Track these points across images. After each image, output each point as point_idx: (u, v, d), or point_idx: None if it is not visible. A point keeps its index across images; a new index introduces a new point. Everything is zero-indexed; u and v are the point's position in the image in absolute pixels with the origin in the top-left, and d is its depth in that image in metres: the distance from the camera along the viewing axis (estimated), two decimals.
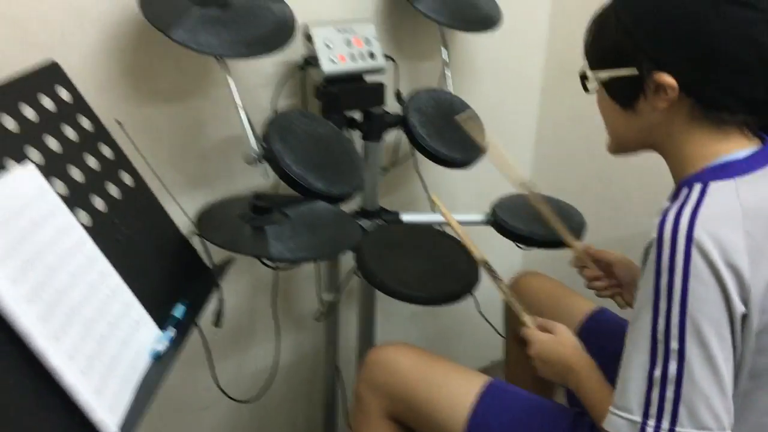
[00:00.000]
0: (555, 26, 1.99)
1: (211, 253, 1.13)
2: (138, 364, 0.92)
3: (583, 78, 1.01)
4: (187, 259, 1.15)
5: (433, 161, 1.52)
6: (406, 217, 1.58)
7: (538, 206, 1.20)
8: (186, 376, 1.51)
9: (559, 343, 1.11)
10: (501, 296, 1.23)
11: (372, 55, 1.47)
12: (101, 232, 0.94)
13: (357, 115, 1.50)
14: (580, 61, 1.03)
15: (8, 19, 1.12)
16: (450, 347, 2.11)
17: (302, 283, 1.70)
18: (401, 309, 1.90)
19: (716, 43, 0.87)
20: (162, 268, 1.08)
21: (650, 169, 1.01)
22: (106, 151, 1.05)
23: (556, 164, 1.85)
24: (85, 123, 1.03)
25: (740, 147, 0.92)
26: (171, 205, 1.15)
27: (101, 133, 1.05)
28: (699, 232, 0.82)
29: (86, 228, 0.91)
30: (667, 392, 0.84)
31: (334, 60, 1.40)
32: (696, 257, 0.82)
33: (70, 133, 0.99)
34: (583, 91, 1.03)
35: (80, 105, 1.03)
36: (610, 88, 0.99)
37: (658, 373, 0.84)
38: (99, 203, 0.98)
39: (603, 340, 1.20)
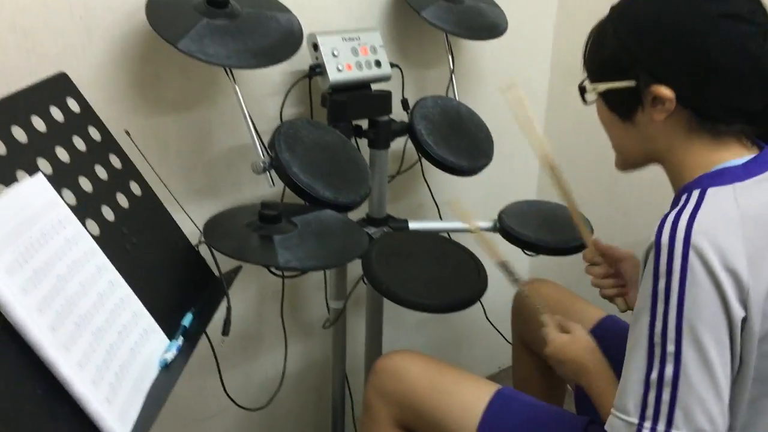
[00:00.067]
0: (560, 34, 2.00)
1: (219, 262, 1.13)
2: (147, 373, 0.92)
3: (582, 90, 1.02)
4: (196, 268, 1.15)
5: (439, 169, 1.52)
6: (413, 225, 1.58)
7: (560, 185, 1.21)
8: (194, 384, 1.51)
9: (573, 342, 1.11)
10: (523, 295, 1.23)
11: (378, 64, 1.47)
12: (110, 242, 0.94)
13: (364, 123, 1.50)
14: None
15: (19, 30, 1.14)
16: (458, 354, 2.11)
17: (310, 291, 1.70)
18: (409, 316, 1.90)
19: (712, 56, 0.89)
20: (170, 277, 1.08)
21: (658, 175, 1.02)
22: (115, 161, 1.06)
23: (562, 171, 1.85)
24: (95, 133, 1.04)
25: (738, 155, 0.93)
26: (179, 214, 1.16)
27: (110, 144, 1.06)
28: (696, 236, 0.83)
29: (96, 238, 0.92)
30: (663, 395, 0.84)
31: (341, 68, 1.41)
32: (693, 261, 0.83)
33: (79, 143, 1.00)
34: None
35: (89, 116, 1.04)
36: (608, 99, 1.00)
37: (654, 375, 0.85)
38: (108, 213, 0.99)
39: (611, 347, 1.20)
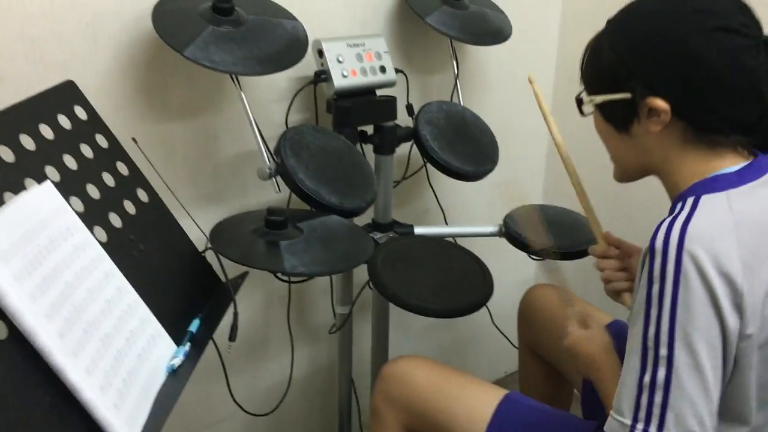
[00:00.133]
0: (565, 39, 2.00)
1: (226, 268, 1.14)
2: (154, 379, 0.92)
3: (579, 102, 1.04)
4: (202, 274, 1.16)
5: (445, 174, 1.53)
6: (419, 230, 1.58)
7: (569, 172, 1.22)
8: (201, 390, 1.51)
9: (589, 339, 1.12)
10: (556, 283, 1.23)
11: (383, 69, 1.48)
12: (118, 249, 0.95)
13: (369, 129, 1.51)
14: None
15: (26, 39, 1.14)
16: (464, 359, 2.11)
17: (316, 297, 1.70)
18: (415, 321, 1.90)
19: (706, 69, 0.90)
20: (177, 283, 1.09)
21: None
22: (122, 168, 1.06)
23: (568, 176, 1.85)
24: (102, 141, 1.04)
25: (733, 163, 0.94)
26: (186, 220, 1.16)
27: (117, 151, 1.07)
28: (689, 242, 0.84)
29: (103, 245, 0.93)
30: (655, 397, 0.85)
31: (346, 74, 1.41)
32: (686, 266, 0.83)
33: (86, 151, 1.00)
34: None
35: (96, 123, 1.05)
36: (605, 111, 1.01)
37: (647, 378, 0.86)
38: (115, 220, 0.99)
39: (619, 352, 1.20)
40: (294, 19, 1.35)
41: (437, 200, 1.80)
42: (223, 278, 1.15)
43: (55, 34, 1.17)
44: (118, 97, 1.26)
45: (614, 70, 0.96)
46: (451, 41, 1.65)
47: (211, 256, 1.16)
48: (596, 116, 1.04)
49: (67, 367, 0.76)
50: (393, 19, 1.61)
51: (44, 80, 1.02)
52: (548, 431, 1.14)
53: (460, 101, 1.67)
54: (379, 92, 1.49)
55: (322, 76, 1.41)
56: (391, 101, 1.49)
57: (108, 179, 1.02)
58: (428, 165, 1.57)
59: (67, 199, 0.90)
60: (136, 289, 0.95)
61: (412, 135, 1.52)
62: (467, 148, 1.56)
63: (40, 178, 0.89)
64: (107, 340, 0.86)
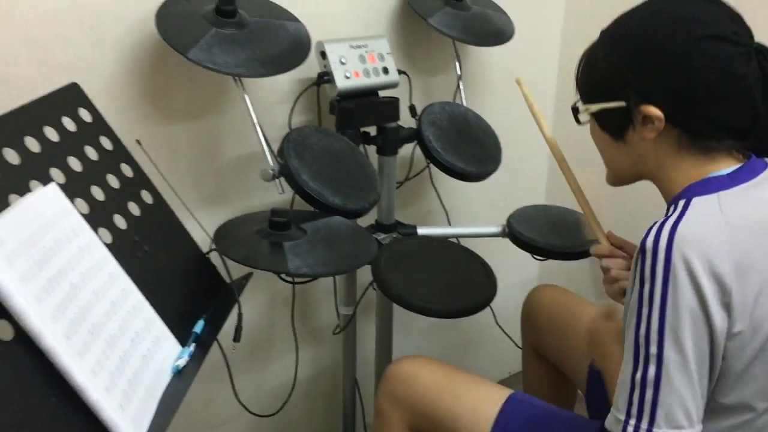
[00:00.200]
0: (567, 39, 2.00)
1: (230, 269, 1.14)
2: (160, 380, 0.93)
3: (575, 111, 1.06)
4: (206, 275, 1.16)
5: (448, 174, 1.53)
6: (422, 231, 1.58)
7: (563, 169, 1.22)
8: (206, 391, 1.52)
9: (608, 331, 1.14)
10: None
11: (386, 71, 1.48)
12: (123, 250, 0.95)
13: (372, 130, 1.51)
14: None
15: (30, 42, 1.15)
16: (468, 359, 2.11)
17: (320, 298, 1.71)
18: (418, 322, 1.90)
19: (698, 77, 0.92)
20: (182, 285, 1.09)
21: None
22: (127, 170, 1.07)
23: (564, 177, 1.85)
24: (106, 143, 1.05)
25: (727, 167, 0.95)
26: (190, 221, 1.17)
27: (121, 153, 1.07)
28: (678, 242, 0.86)
29: (108, 246, 0.93)
30: (646, 394, 0.88)
31: (349, 76, 1.42)
32: (675, 265, 0.85)
33: (91, 153, 1.01)
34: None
35: (101, 125, 1.05)
36: (600, 119, 1.04)
37: (639, 375, 0.88)
38: (120, 221, 1.00)
39: None
40: (297, 20, 1.35)
41: (440, 201, 1.80)
42: (227, 279, 1.16)
43: (58, 36, 1.18)
44: (121, 100, 1.26)
45: (609, 79, 0.99)
46: (453, 42, 1.65)
47: (215, 258, 1.16)
48: (592, 124, 1.06)
49: (72, 368, 0.77)
50: (395, 20, 1.61)
51: (48, 83, 1.02)
52: (552, 430, 1.14)
53: (462, 102, 1.67)
54: (381, 93, 1.50)
55: (325, 77, 1.42)
56: (394, 102, 1.50)
57: (112, 181, 1.02)
58: (431, 166, 1.57)
59: (72, 200, 0.90)
60: (140, 291, 0.95)
61: (415, 136, 1.52)
62: (470, 148, 1.56)
63: (45, 180, 0.89)
64: (112, 341, 0.86)
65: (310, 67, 1.40)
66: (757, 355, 0.90)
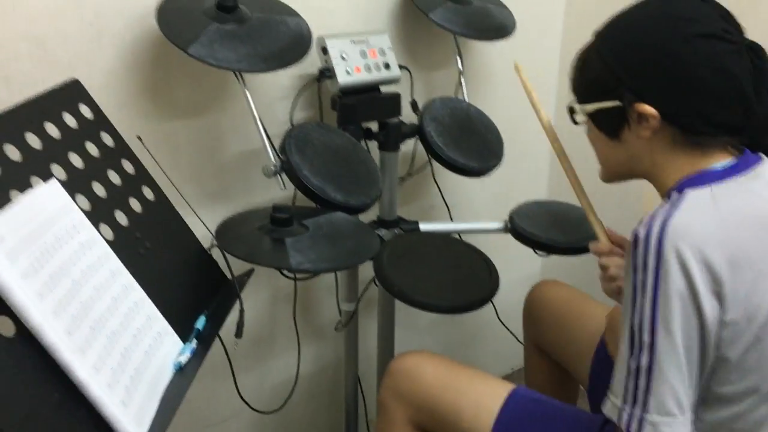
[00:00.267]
0: (569, 33, 1.99)
1: (232, 265, 1.14)
2: (162, 376, 0.93)
3: (571, 111, 1.08)
4: (208, 272, 1.16)
5: (450, 170, 1.53)
6: (424, 226, 1.58)
7: (561, 161, 1.22)
8: (209, 388, 1.52)
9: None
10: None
11: (387, 66, 1.48)
12: (124, 247, 0.95)
13: (373, 126, 1.51)
14: None
15: (31, 38, 1.15)
16: (470, 355, 2.11)
17: (322, 294, 1.70)
18: (421, 318, 1.90)
19: (691, 75, 0.94)
20: (183, 281, 1.09)
21: None
22: (128, 166, 1.06)
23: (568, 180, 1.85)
24: (107, 139, 1.04)
25: (721, 161, 0.97)
26: (191, 218, 1.17)
27: (123, 149, 1.07)
28: (670, 232, 0.87)
29: (109, 242, 0.93)
30: (640, 382, 0.90)
31: (350, 71, 1.41)
32: (666, 255, 0.87)
33: (92, 149, 1.00)
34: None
35: (102, 121, 1.05)
36: (596, 119, 1.05)
37: (633, 364, 0.91)
38: (121, 218, 0.99)
39: None
40: (298, 16, 1.35)
41: (442, 196, 1.79)
42: (229, 275, 1.16)
43: (59, 33, 1.17)
44: (122, 96, 1.26)
45: (603, 79, 1.00)
46: (455, 37, 1.64)
47: (217, 254, 1.16)
48: (588, 124, 1.08)
49: (74, 365, 0.77)
50: (397, 15, 1.61)
51: (49, 79, 1.02)
52: (556, 425, 1.14)
53: (464, 97, 1.67)
54: (383, 89, 1.49)
55: (326, 73, 1.42)
56: (396, 98, 1.49)
57: (114, 177, 1.02)
58: (433, 161, 1.57)
59: (73, 197, 0.90)
60: (142, 287, 0.95)
61: (417, 131, 1.52)
62: (472, 144, 1.56)
63: (47, 176, 0.89)
64: (114, 338, 0.86)
65: (311, 63, 1.40)
66: (753, 345, 0.91)
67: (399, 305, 1.58)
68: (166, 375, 0.94)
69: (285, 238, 1.15)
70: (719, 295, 0.87)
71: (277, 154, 1.30)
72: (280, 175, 1.29)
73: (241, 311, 1.08)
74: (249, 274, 1.19)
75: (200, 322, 1.04)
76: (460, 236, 1.68)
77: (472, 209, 1.94)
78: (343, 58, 1.41)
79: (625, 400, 0.92)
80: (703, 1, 0.97)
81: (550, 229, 1.49)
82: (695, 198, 0.92)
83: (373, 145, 1.53)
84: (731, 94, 0.94)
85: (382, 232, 1.55)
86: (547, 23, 1.97)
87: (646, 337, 0.89)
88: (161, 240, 1.06)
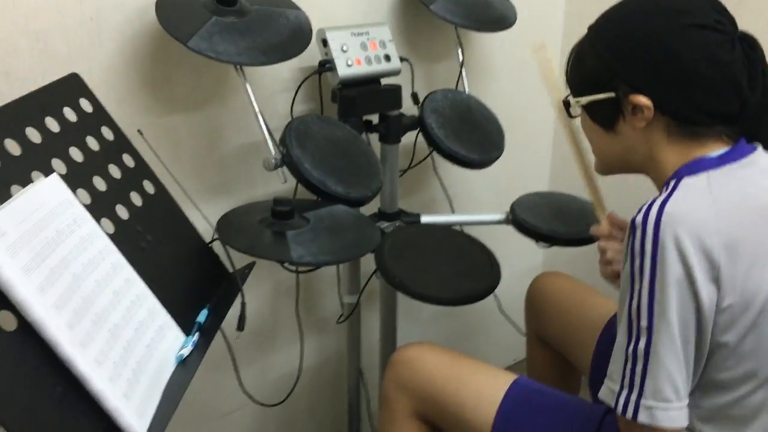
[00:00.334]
0: (570, 23, 1.99)
1: (233, 259, 1.14)
2: (164, 369, 0.93)
3: (566, 104, 1.09)
4: (210, 265, 1.16)
5: (451, 162, 1.52)
6: (426, 219, 1.58)
7: (571, 145, 1.22)
8: (211, 381, 1.52)
9: None
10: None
11: (388, 58, 1.47)
12: (125, 240, 0.95)
13: (374, 118, 1.51)
14: None
15: (31, 33, 1.15)
16: (472, 347, 2.11)
17: (323, 286, 1.71)
18: (423, 310, 1.90)
19: (684, 65, 0.94)
20: (185, 274, 1.09)
21: None
22: (128, 160, 1.06)
23: (574, 163, 1.85)
24: (107, 133, 1.05)
25: (716, 150, 0.98)
26: (192, 211, 1.17)
27: (123, 143, 1.07)
28: (667, 218, 0.88)
29: (111, 236, 0.93)
30: (637, 367, 0.91)
31: (350, 64, 1.41)
32: (663, 241, 0.88)
33: (93, 143, 1.01)
34: None
35: (102, 116, 1.05)
36: (591, 111, 1.06)
37: (631, 349, 0.92)
38: (122, 212, 1.00)
39: None
40: (297, 8, 1.34)
41: (443, 189, 1.79)
42: (230, 269, 1.16)
43: (59, 27, 1.17)
44: (122, 90, 1.26)
45: (597, 72, 1.02)
46: (455, 28, 1.64)
47: (218, 247, 1.16)
48: (583, 117, 1.08)
49: (76, 358, 0.77)
50: (397, 7, 1.60)
51: (49, 74, 1.02)
52: (558, 415, 1.15)
53: (465, 89, 1.67)
54: (383, 81, 1.49)
55: (326, 65, 1.41)
56: (396, 90, 1.49)
57: (114, 171, 1.02)
58: (434, 153, 1.57)
59: (74, 191, 0.90)
60: (143, 280, 0.96)
61: (418, 123, 1.52)
62: (473, 135, 1.55)
63: (47, 170, 0.89)
64: (116, 331, 0.86)
65: (311, 56, 1.39)
66: (750, 330, 0.92)
67: (401, 297, 1.58)
68: (168, 368, 0.94)
69: (286, 231, 1.16)
70: (717, 281, 0.88)
71: (278, 147, 1.30)
72: (281, 168, 1.29)
73: (243, 304, 1.09)
74: (250, 267, 1.20)
75: (202, 316, 1.05)
76: (461, 228, 1.68)
77: (474, 201, 1.93)
78: (343, 51, 1.41)
79: (621, 385, 0.93)
80: None
81: (552, 220, 1.48)
82: (692, 184, 0.94)
83: (374, 138, 1.52)
84: (724, 84, 0.95)
85: (384, 225, 1.55)
86: (548, 14, 1.97)
87: (643, 322, 0.90)
88: (162, 234, 1.06)
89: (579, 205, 1.56)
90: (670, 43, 0.95)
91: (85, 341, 0.79)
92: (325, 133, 1.35)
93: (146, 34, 1.26)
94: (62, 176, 0.89)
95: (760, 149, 1.00)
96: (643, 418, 0.91)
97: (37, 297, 0.76)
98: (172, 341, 0.97)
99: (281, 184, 1.31)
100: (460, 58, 1.66)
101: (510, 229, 1.53)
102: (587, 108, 1.06)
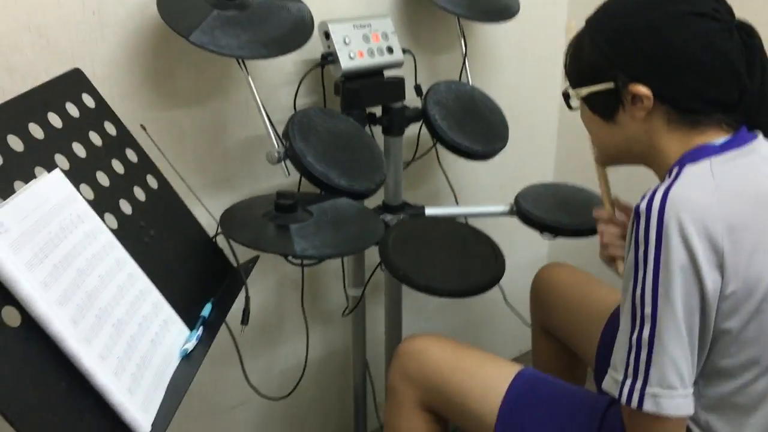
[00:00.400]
0: (574, 14, 1.98)
1: (237, 253, 1.14)
2: (168, 364, 0.93)
3: (566, 96, 1.09)
4: (213, 259, 1.16)
5: (454, 153, 1.52)
6: (430, 211, 1.58)
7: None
8: (217, 375, 1.53)
9: None
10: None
11: (390, 50, 1.47)
12: (129, 235, 0.96)
13: (377, 111, 1.50)
14: None
15: (33, 28, 1.15)
16: (477, 339, 2.11)
17: (328, 279, 1.71)
18: (428, 302, 1.90)
19: (681, 53, 0.95)
20: (189, 269, 1.09)
21: None
22: (131, 155, 1.06)
23: (579, 153, 1.84)
24: (110, 128, 1.05)
25: (717, 138, 0.98)
26: (196, 206, 1.17)
27: (126, 138, 1.07)
28: (670, 205, 0.88)
29: (114, 231, 0.93)
30: (641, 355, 0.91)
31: (353, 56, 1.41)
32: (667, 228, 0.88)
33: (95, 138, 1.01)
34: None
35: (105, 111, 1.05)
36: (590, 102, 1.06)
37: (635, 337, 0.92)
38: (126, 207, 1.00)
39: None
40: (299, 1, 1.34)
41: (448, 181, 1.79)
42: (234, 263, 1.16)
43: (61, 22, 1.17)
44: (125, 85, 1.26)
45: (596, 63, 1.02)
46: (458, 19, 1.63)
47: (222, 241, 1.16)
48: (583, 108, 1.09)
49: (80, 354, 0.77)
50: None
51: (51, 69, 1.02)
52: (563, 406, 1.15)
53: (468, 80, 1.66)
54: (386, 73, 1.49)
55: (329, 58, 1.41)
56: (399, 82, 1.49)
57: (117, 166, 1.02)
58: (438, 145, 1.57)
59: (77, 186, 0.90)
60: (147, 275, 0.96)
61: (421, 115, 1.52)
62: (477, 127, 1.55)
63: (50, 166, 0.89)
64: (120, 326, 0.86)
65: (313, 48, 1.39)
66: (753, 317, 0.92)
67: (406, 290, 1.58)
68: (173, 363, 0.94)
69: (289, 224, 1.15)
70: (721, 267, 0.88)
71: (281, 141, 1.30)
72: (284, 162, 1.29)
73: (247, 298, 1.09)
74: (254, 261, 1.20)
75: (206, 310, 1.05)
76: (466, 220, 1.68)
77: (478, 193, 1.93)
78: (345, 43, 1.40)
79: (625, 374, 0.92)
80: None
81: (557, 211, 1.48)
82: (694, 171, 0.94)
83: (377, 130, 1.52)
84: (722, 72, 0.95)
85: (388, 218, 1.55)
86: (551, 4, 1.96)
87: (647, 310, 0.90)
88: (166, 228, 1.07)
89: (584, 195, 1.55)
90: (668, 33, 0.95)
91: (89, 336, 0.80)
92: (328, 126, 1.35)
93: (148, 29, 1.26)
94: (65, 172, 0.90)
95: (760, 137, 1.00)
96: (648, 406, 0.90)
97: (41, 293, 0.76)
98: (176, 336, 0.98)
99: (284, 177, 1.31)
100: (463, 49, 1.65)
101: (515, 221, 1.53)
102: (587, 99, 1.06)
